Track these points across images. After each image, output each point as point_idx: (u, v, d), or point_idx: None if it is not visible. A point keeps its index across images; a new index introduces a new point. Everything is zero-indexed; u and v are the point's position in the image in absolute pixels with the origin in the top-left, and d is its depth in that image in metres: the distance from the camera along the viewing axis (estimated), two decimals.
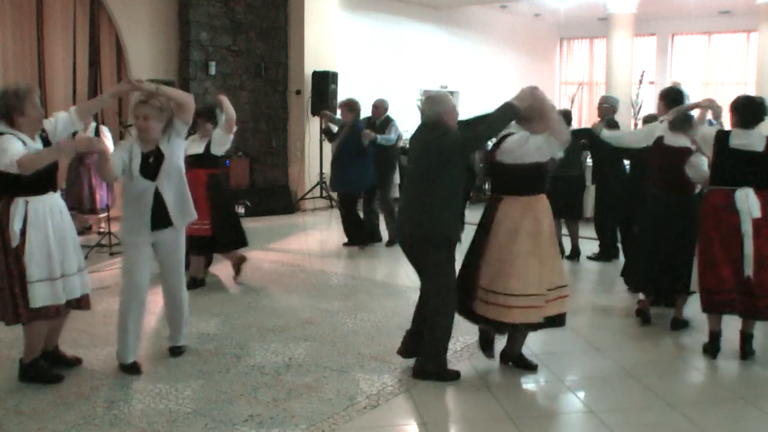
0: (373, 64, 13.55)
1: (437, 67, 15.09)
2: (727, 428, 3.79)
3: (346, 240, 8.23)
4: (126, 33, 9.81)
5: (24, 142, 3.90)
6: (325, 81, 10.85)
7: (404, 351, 4.46)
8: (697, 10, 15.67)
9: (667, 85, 17.29)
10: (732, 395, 4.14)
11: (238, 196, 10.60)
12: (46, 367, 4.26)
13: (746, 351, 4.65)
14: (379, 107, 8.35)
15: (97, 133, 7.74)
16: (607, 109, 7.52)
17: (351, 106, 8.08)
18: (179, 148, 4.45)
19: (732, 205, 4.56)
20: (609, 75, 15.62)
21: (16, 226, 3.91)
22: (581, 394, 4.11)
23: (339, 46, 11.91)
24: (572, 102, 13.86)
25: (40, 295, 3.99)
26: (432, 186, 4.08)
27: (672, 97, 5.58)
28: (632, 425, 3.76)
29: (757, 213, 4.51)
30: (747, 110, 4.65)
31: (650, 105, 15.48)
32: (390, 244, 8.20)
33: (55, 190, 4.15)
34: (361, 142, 7.81)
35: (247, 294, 6.23)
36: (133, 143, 4.33)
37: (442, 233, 4.14)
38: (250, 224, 9.60)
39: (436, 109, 4.15)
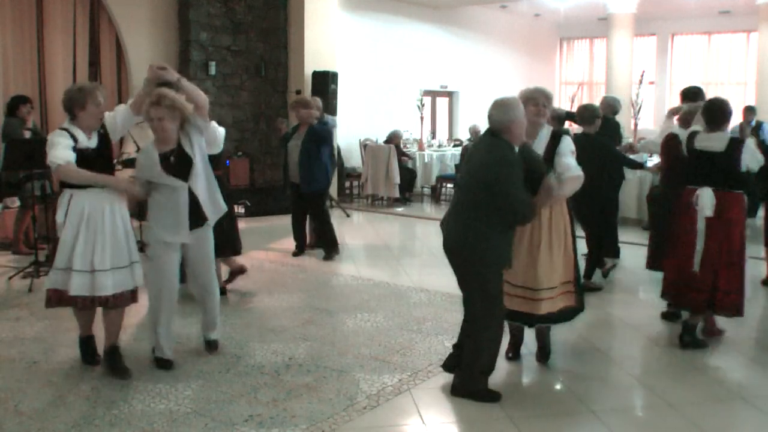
0: (373, 64, 13.56)
1: (437, 67, 15.10)
2: (727, 428, 3.80)
3: (324, 254, 7.75)
4: (126, 33, 9.82)
5: (75, 139, 4.09)
6: (325, 81, 10.85)
7: (448, 367, 4.24)
8: (697, 10, 15.68)
9: (667, 85, 17.37)
10: (732, 395, 4.14)
11: (237, 197, 10.60)
12: (93, 350, 4.51)
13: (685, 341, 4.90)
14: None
15: None
16: (606, 109, 7.50)
17: (305, 103, 7.76)
18: (201, 146, 4.43)
19: (693, 202, 4.79)
20: (609, 75, 15.64)
21: (59, 217, 4.15)
22: (581, 394, 4.11)
23: (339, 46, 11.92)
24: (572, 102, 13.87)
25: (54, 281, 4.19)
26: (476, 199, 3.88)
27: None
28: (632, 425, 3.76)
29: (709, 212, 4.71)
30: (709, 115, 4.89)
31: (650, 105, 15.51)
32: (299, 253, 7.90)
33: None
34: (322, 136, 7.55)
35: (247, 294, 6.22)
36: (149, 147, 4.35)
37: (485, 255, 3.88)
38: (250, 224, 9.63)
39: (506, 117, 3.84)
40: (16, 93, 8.09)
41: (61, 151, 4.02)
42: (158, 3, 10.21)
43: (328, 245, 7.74)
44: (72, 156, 4.04)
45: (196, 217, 4.36)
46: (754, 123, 11.54)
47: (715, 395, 4.16)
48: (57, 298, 4.22)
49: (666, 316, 5.47)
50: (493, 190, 3.79)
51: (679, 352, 4.85)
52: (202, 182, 4.36)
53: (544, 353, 4.59)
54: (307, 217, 7.98)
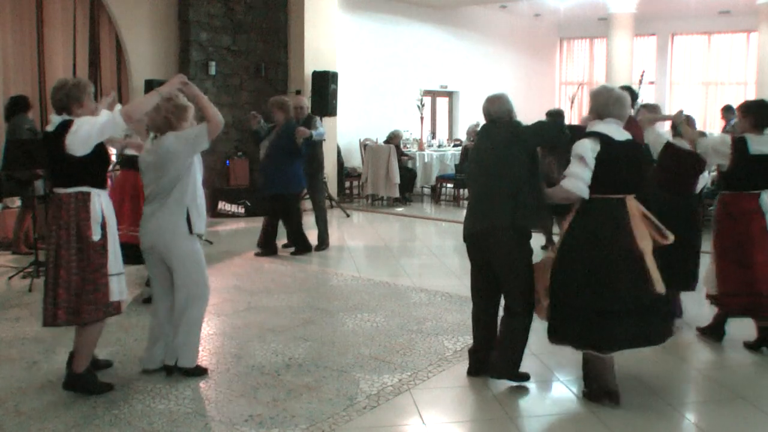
0: (373, 64, 13.56)
1: (437, 67, 15.10)
2: (727, 428, 3.79)
3: (293, 248, 7.92)
4: (126, 33, 9.82)
5: None
6: (325, 81, 10.85)
7: (475, 371, 4.35)
8: (697, 10, 15.67)
9: (667, 85, 17.34)
10: (732, 395, 4.14)
11: (236, 196, 10.60)
12: (95, 377, 4.11)
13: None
14: (303, 108, 8.11)
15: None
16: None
17: (282, 104, 7.66)
18: None
19: (759, 207, 4.67)
20: (609, 75, 15.62)
21: (100, 219, 3.92)
22: (581, 395, 4.11)
23: (339, 46, 11.92)
24: (572, 102, 13.89)
25: (116, 290, 3.98)
26: (514, 178, 4.04)
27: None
28: (632, 425, 3.76)
29: None
30: (761, 114, 4.75)
31: None
32: (319, 248, 8.05)
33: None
34: (294, 141, 7.47)
35: (247, 294, 6.22)
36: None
37: (531, 221, 4.09)
38: (250, 224, 9.62)
39: (505, 107, 4.22)
40: (15, 93, 8.07)
41: (94, 118, 3.87)
42: (158, 3, 10.21)
43: (299, 247, 7.89)
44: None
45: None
46: (733, 122, 11.68)
47: (715, 395, 4.16)
48: (118, 306, 4.06)
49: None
50: (526, 149, 4.04)
51: (679, 352, 4.85)
52: None
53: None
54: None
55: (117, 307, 4.04)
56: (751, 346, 4.85)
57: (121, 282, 4.03)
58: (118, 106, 4.04)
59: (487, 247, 4.13)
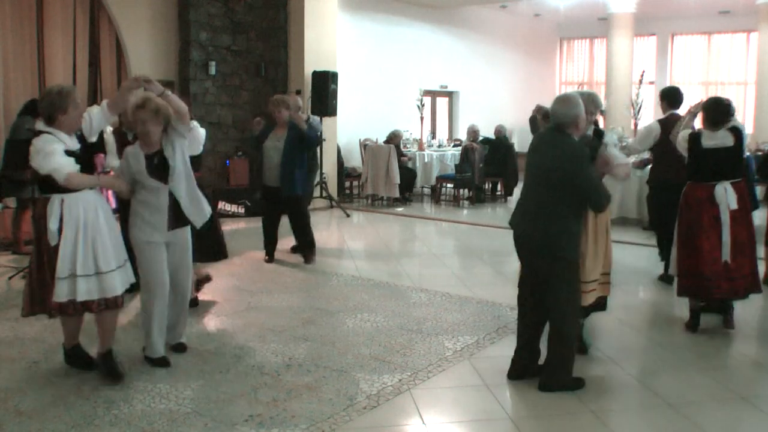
0: (373, 64, 13.57)
1: (437, 67, 15.11)
2: (727, 428, 3.79)
3: (303, 257, 7.56)
4: (126, 33, 9.82)
5: (63, 143, 4.05)
6: (325, 81, 10.86)
7: (516, 373, 4.30)
8: (697, 10, 15.68)
9: (667, 85, 17.34)
10: (732, 395, 4.14)
11: (236, 197, 10.61)
12: (116, 363, 4.31)
13: (731, 321, 5.19)
14: (292, 108, 7.76)
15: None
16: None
17: (285, 103, 7.46)
18: (183, 150, 4.46)
19: (712, 198, 4.99)
20: (609, 75, 15.64)
21: (53, 225, 4.02)
22: (581, 394, 4.11)
23: (339, 46, 11.92)
24: None
25: (62, 292, 4.05)
26: (551, 195, 4.00)
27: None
28: (632, 425, 3.76)
29: (734, 205, 4.95)
30: (713, 113, 5.07)
31: (650, 105, 15.55)
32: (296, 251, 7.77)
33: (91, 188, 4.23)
34: (301, 140, 7.20)
35: (247, 294, 6.23)
36: (136, 148, 4.39)
37: (553, 248, 4.02)
38: (250, 224, 9.61)
39: (573, 111, 4.00)
40: (16, 93, 8.07)
41: (60, 158, 3.97)
42: (158, 3, 10.21)
43: (309, 247, 7.51)
44: (72, 162, 4.03)
45: (177, 217, 4.43)
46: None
47: (715, 395, 4.15)
48: (64, 307, 4.11)
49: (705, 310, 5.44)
50: (573, 182, 3.96)
51: (679, 352, 4.85)
52: (183, 186, 4.42)
53: (582, 346, 4.69)
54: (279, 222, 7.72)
55: (68, 309, 4.11)
56: (687, 326, 5.22)
57: (68, 285, 4.04)
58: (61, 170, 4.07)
59: (531, 257, 4.20)
